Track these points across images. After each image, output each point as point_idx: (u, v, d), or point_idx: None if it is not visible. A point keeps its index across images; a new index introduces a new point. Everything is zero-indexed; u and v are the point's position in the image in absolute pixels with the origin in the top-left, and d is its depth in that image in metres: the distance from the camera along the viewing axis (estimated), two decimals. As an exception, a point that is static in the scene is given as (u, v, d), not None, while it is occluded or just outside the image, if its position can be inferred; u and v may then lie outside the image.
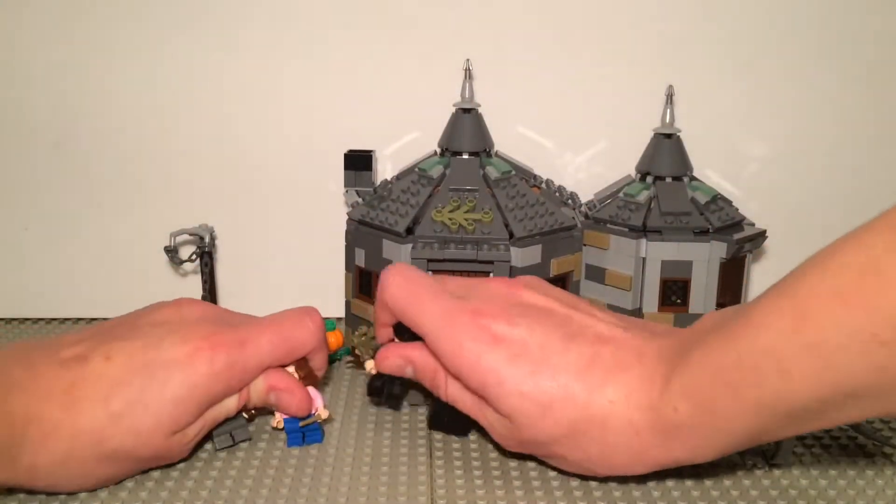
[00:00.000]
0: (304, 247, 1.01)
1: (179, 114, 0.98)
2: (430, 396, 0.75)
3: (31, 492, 0.65)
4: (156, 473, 0.69)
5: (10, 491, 0.65)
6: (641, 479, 0.69)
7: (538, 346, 0.64)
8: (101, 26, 0.95)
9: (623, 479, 0.69)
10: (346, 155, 0.91)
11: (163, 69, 0.96)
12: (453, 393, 0.69)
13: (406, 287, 0.70)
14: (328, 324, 0.91)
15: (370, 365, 0.75)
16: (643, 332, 0.67)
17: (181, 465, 0.70)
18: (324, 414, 0.73)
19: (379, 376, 0.75)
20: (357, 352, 0.89)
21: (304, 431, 0.73)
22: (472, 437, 0.75)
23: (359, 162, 0.91)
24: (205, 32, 0.95)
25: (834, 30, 0.97)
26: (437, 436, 0.76)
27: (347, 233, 0.91)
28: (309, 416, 0.73)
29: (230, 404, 0.69)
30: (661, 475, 0.69)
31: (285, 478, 0.68)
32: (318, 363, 0.75)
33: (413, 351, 0.71)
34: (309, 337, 0.71)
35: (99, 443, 0.62)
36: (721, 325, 0.59)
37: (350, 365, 0.90)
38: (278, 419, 0.73)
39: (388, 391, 0.75)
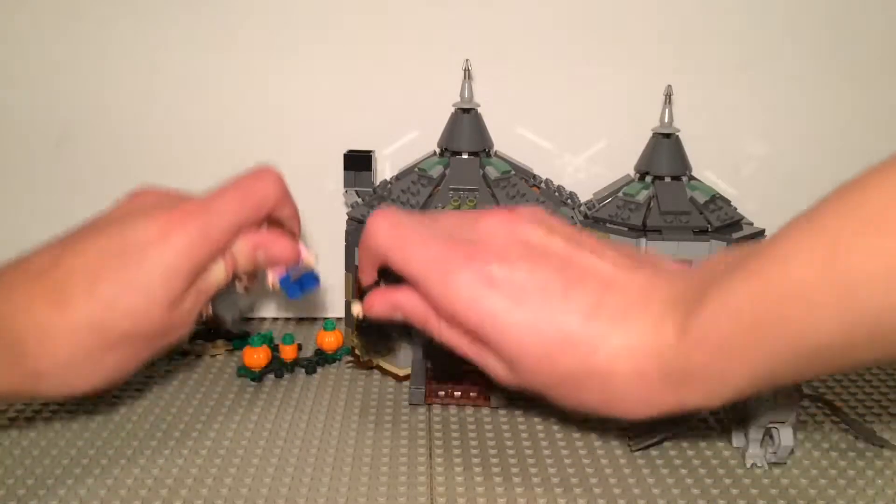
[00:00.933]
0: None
1: (179, 113, 0.98)
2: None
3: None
4: (155, 470, 0.69)
5: (12, 492, 0.66)
6: (641, 476, 0.69)
7: (538, 291, 0.60)
8: (101, 26, 0.95)
9: (623, 477, 0.69)
10: (345, 155, 0.91)
11: (163, 69, 0.96)
12: (448, 335, 0.66)
13: (393, 233, 0.67)
14: (328, 324, 0.91)
15: (357, 309, 0.73)
16: (653, 273, 0.62)
17: (180, 462, 0.70)
18: (311, 259, 0.73)
19: (366, 320, 0.72)
20: (357, 352, 0.89)
21: (301, 281, 0.73)
22: (472, 433, 0.76)
23: (358, 162, 0.91)
24: (205, 32, 0.96)
25: (834, 30, 0.97)
26: (437, 434, 0.76)
27: (347, 233, 0.91)
28: (298, 266, 0.73)
29: (218, 273, 0.67)
30: (661, 475, 0.70)
31: (285, 477, 0.69)
32: (288, 213, 0.73)
33: (401, 295, 0.68)
34: (272, 186, 0.70)
35: (99, 332, 0.62)
36: (740, 263, 0.56)
37: (350, 365, 0.90)
38: (272, 279, 0.73)
39: (378, 333, 0.73)
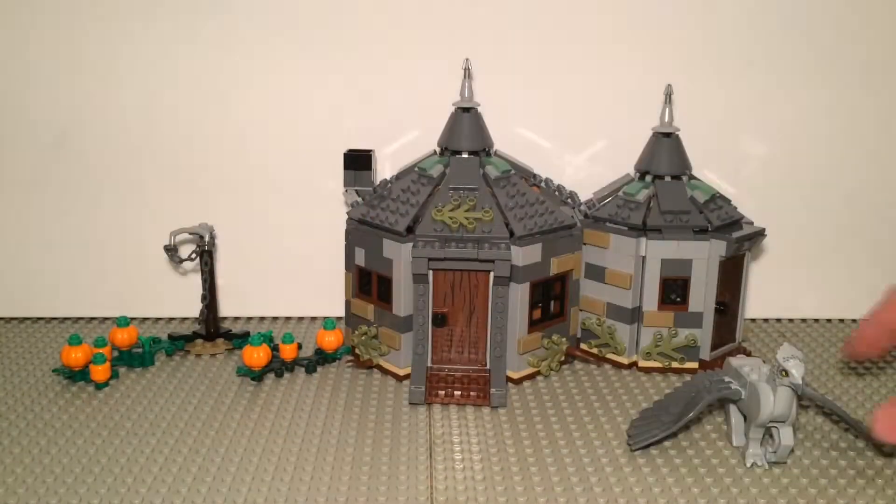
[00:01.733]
0: (304, 247, 1.01)
1: (180, 114, 0.98)
2: None
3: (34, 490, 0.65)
4: (155, 469, 0.69)
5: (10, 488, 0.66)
6: (641, 476, 0.69)
7: None
8: (101, 27, 0.95)
9: (625, 477, 0.69)
10: (345, 154, 0.91)
11: (163, 69, 0.96)
12: None
13: None
14: (328, 323, 0.91)
15: None
16: None
17: (180, 461, 0.70)
18: None
19: None
20: (357, 351, 0.89)
21: None
22: (473, 431, 0.76)
23: (358, 161, 0.91)
24: (205, 33, 0.95)
25: (833, 30, 0.97)
26: (438, 431, 0.76)
27: (347, 232, 0.91)
28: None
29: None
30: (661, 475, 0.70)
31: (285, 475, 0.69)
32: None
33: None
34: None
35: None
36: None
37: (350, 365, 0.90)
38: None
39: None
